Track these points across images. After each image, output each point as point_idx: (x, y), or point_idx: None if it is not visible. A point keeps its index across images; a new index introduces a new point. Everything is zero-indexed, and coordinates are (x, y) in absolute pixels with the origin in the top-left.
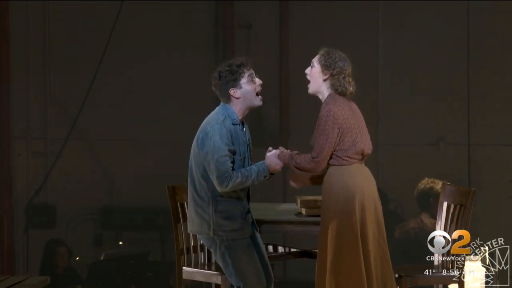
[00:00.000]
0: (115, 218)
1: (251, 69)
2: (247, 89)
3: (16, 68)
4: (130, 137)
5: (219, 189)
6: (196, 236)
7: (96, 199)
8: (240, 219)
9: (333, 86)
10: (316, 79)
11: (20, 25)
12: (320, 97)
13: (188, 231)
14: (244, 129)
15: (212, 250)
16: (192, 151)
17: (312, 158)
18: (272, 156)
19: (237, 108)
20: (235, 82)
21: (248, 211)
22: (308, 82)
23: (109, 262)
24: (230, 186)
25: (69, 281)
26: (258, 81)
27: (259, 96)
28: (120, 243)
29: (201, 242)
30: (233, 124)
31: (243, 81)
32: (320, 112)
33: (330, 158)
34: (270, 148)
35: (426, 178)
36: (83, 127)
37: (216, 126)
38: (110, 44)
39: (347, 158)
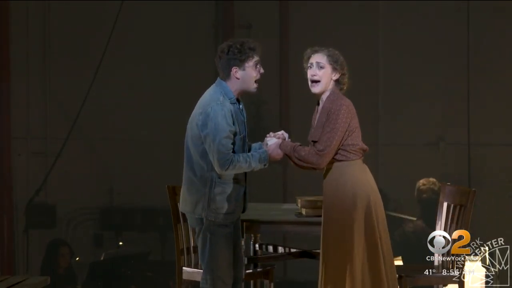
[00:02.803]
0: (115, 218)
1: (259, 57)
2: (249, 74)
3: (16, 68)
4: (130, 137)
5: (219, 171)
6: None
7: (96, 199)
8: (234, 201)
9: (339, 84)
10: (328, 79)
11: (20, 25)
12: (322, 95)
13: (180, 210)
14: (241, 107)
15: (196, 229)
16: (189, 130)
17: (318, 151)
18: (274, 145)
19: (234, 88)
20: (240, 63)
21: (244, 193)
22: (315, 82)
23: (109, 262)
24: (230, 169)
25: (69, 281)
26: (262, 70)
27: (256, 84)
28: (120, 243)
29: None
30: (231, 103)
31: (248, 64)
32: (331, 106)
33: (336, 153)
34: (271, 134)
35: (424, 179)
36: (83, 127)
37: (217, 107)
38: (110, 44)
39: (355, 152)
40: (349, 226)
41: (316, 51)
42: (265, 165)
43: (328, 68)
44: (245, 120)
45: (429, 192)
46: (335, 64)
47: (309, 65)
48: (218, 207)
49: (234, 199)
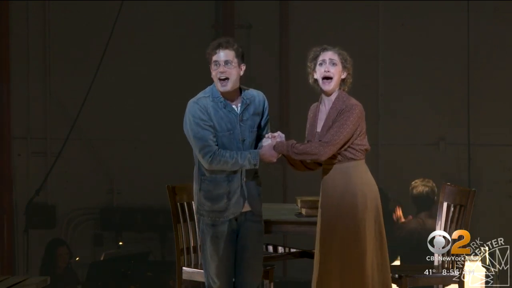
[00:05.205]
0: (115, 218)
1: (220, 54)
2: (212, 73)
3: (16, 68)
4: (130, 137)
5: (205, 165)
6: (196, 236)
7: (96, 199)
8: (225, 199)
9: (345, 84)
10: (339, 77)
11: (20, 25)
12: (331, 95)
13: None
14: (239, 106)
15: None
16: None
17: (323, 142)
18: (267, 147)
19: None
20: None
21: (241, 187)
22: (328, 79)
23: (109, 262)
24: (215, 162)
25: (69, 281)
26: (221, 69)
27: (221, 82)
28: (120, 243)
29: None
30: (214, 101)
31: (211, 63)
32: (343, 106)
33: (345, 150)
34: (268, 135)
35: (420, 179)
36: (83, 127)
37: (189, 105)
38: (110, 44)
39: (362, 152)
40: (362, 226)
41: (326, 49)
42: (255, 165)
43: (339, 66)
44: (245, 118)
45: (419, 189)
46: (345, 62)
47: (319, 62)
48: (204, 203)
49: (225, 198)
